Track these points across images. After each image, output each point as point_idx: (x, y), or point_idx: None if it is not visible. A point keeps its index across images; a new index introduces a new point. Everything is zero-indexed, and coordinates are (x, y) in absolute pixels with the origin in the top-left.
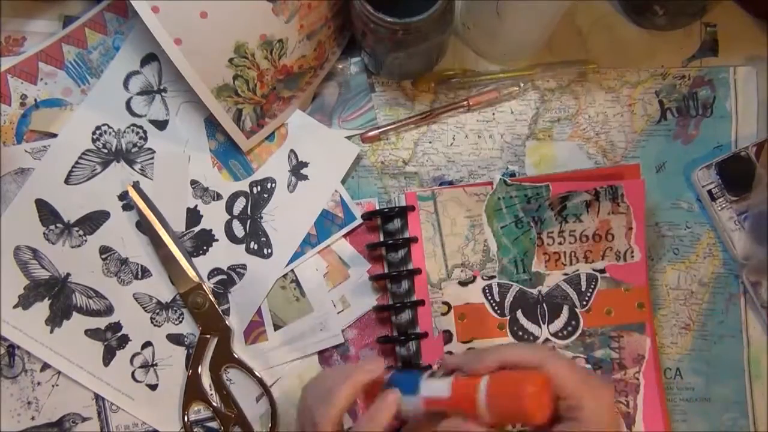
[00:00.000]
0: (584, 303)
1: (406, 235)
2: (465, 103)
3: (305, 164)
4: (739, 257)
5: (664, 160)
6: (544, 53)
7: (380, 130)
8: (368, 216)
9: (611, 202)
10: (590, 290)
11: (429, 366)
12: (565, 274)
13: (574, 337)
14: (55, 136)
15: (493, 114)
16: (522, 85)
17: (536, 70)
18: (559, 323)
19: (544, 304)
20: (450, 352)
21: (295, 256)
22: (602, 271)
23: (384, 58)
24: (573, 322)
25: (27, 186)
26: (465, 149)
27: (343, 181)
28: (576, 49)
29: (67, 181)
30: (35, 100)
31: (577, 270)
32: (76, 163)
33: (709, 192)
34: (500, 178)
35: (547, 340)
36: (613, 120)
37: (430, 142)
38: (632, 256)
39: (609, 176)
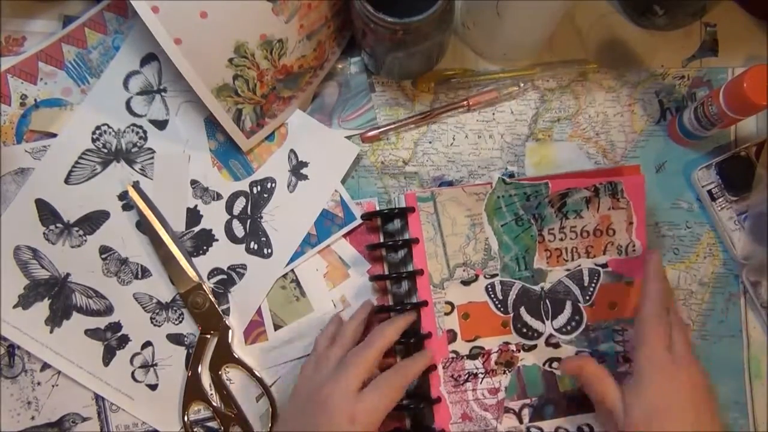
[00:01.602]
0: (587, 298)
1: (406, 235)
2: (465, 103)
3: (305, 164)
4: (739, 257)
5: (664, 160)
6: (544, 53)
7: (380, 130)
8: (368, 216)
9: (611, 198)
10: (593, 285)
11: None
12: (567, 270)
13: (578, 332)
14: (55, 136)
15: (493, 114)
16: (522, 85)
17: (536, 70)
18: (562, 319)
19: (547, 301)
20: (455, 352)
21: (295, 256)
22: (604, 265)
23: (384, 58)
24: (576, 317)
25: (27, 186)
26: (465, 149)
27: (343, 181)
28: (576, 49)
29: (67, 181)
30: (35, 100)
31: (579, 265)
32: (76, 163)
33: (709, 192)
34: (499, 177)
35: (551, 335)
36: (613, 120)
37: (430, 142)
38: (634, 250)
39: (609, 176)
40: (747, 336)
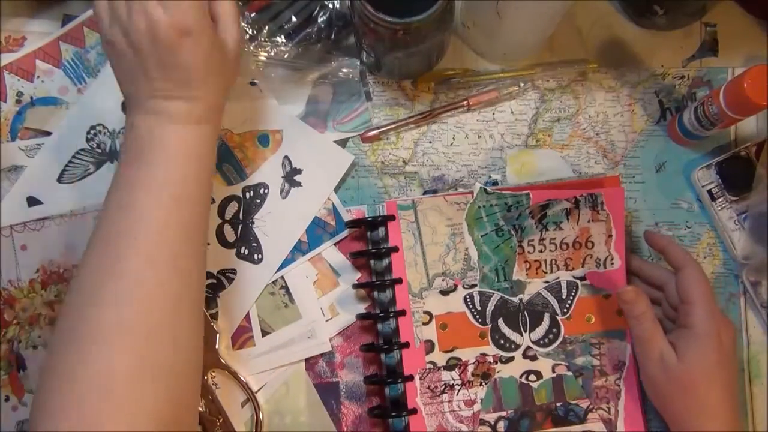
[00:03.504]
0: (565, 310)
1: (389, 244)
2: (465, 103)
3: (299, 171)
4: (739, 257)
5: (664, 160)
6: (544, 53)
7: (380, 130)
8: (351, 224)
9: (591, 210)
10: (571, 298)
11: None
12: (546, 282)
13: (555, 345)
14: (49, 134)
15: (493, 114)
16: (522, 85)
17: (536, 70)
18: (540, 331)
19: (525, 312)
20: (432, 363)
21: (286, 263)
22: (582, 278)
23: (384, 58)
24: (554, 330)
25: (19, 183)
26: (465, 149)
27: (337, 189)
28: (576, 49)
29: (59, 180)
30: (31, 97)
31: (558, 278)
32: (70, 162)
33: (709, 192)
34: (480, 187)
35: (528, 348)
36: (613, 120)
37: (430, 142)
38: (612, 263)
39: (589, 186)
40: (747, 336)
